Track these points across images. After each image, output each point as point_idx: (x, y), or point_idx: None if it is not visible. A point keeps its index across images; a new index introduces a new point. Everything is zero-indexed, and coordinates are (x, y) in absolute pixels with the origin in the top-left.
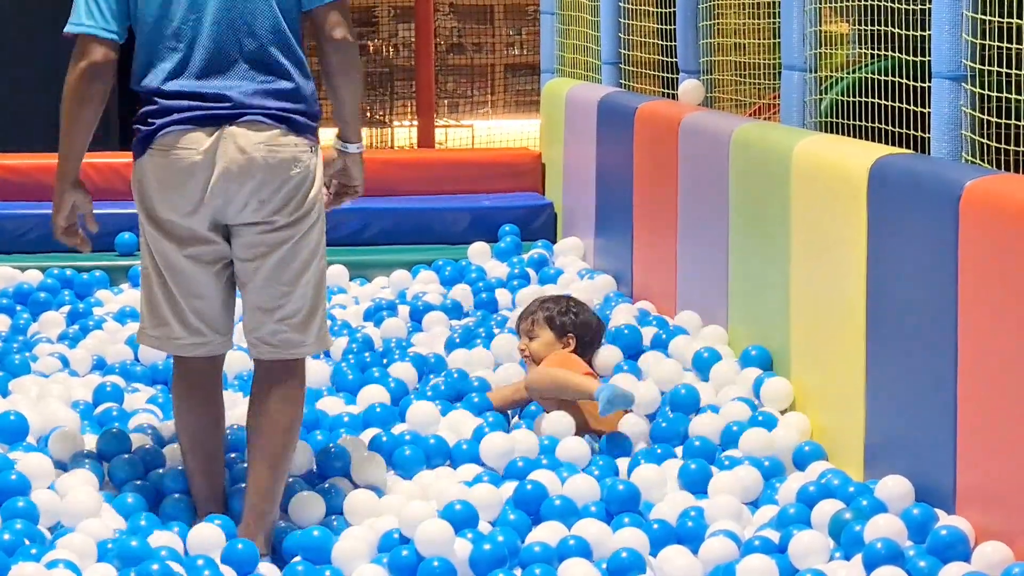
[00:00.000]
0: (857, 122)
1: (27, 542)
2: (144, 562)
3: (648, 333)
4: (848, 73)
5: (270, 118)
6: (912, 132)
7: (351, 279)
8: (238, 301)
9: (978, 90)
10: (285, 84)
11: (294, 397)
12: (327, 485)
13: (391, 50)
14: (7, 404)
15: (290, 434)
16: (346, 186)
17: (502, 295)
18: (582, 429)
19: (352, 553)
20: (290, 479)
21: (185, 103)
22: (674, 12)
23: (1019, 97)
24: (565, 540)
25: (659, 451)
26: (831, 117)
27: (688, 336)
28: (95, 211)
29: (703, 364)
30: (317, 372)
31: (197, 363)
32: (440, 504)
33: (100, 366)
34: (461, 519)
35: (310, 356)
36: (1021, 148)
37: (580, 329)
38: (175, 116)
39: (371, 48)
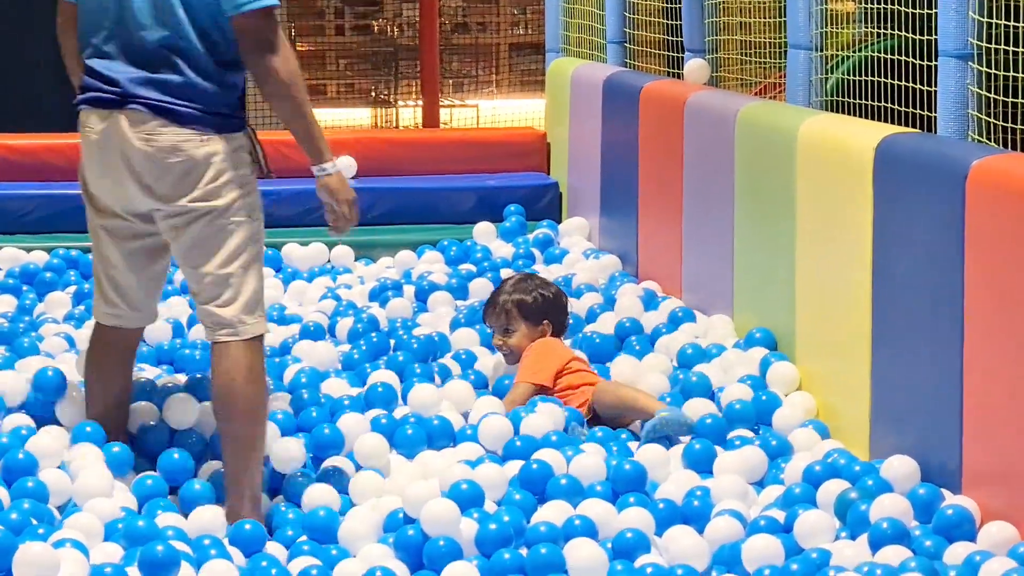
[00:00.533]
0: (863, 101)
1: (34, 521)
2: (150, 542)
3: (652, 319)
4: (854, 52)
5: (150, 109)
6: (918, 111)
7: (356, 259)
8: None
9: (985, 69)
10: (173, 77)
11: (244, 380)
12: (331, 467)
13: (396, 30)
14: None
15: (249, 417)
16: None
17: (507, 275)
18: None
19: (358, 533)
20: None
21: (91, 81)
22: None
23: None
24: (571, 520)
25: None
26: (837, 96)
27: (693, 323)
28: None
29: (707, 348)
30: (323, 353)
31: (110, 333)
32: (445, 484)
33: None
34: (467, 499)
35: (246, 338)
36: None
37: (553, 311)
38: (85, 95)
39: (375, 28)
